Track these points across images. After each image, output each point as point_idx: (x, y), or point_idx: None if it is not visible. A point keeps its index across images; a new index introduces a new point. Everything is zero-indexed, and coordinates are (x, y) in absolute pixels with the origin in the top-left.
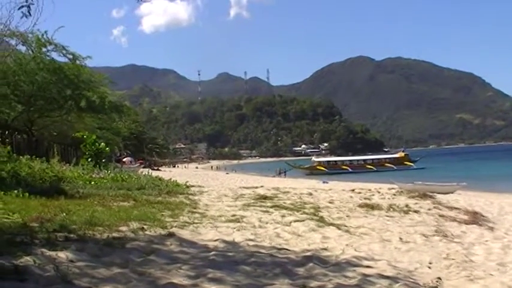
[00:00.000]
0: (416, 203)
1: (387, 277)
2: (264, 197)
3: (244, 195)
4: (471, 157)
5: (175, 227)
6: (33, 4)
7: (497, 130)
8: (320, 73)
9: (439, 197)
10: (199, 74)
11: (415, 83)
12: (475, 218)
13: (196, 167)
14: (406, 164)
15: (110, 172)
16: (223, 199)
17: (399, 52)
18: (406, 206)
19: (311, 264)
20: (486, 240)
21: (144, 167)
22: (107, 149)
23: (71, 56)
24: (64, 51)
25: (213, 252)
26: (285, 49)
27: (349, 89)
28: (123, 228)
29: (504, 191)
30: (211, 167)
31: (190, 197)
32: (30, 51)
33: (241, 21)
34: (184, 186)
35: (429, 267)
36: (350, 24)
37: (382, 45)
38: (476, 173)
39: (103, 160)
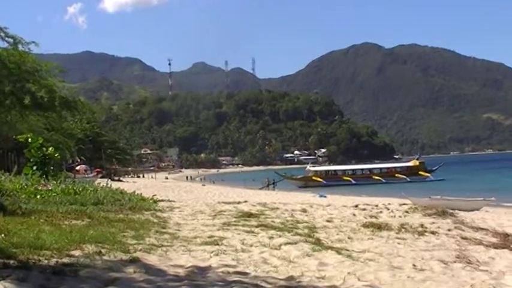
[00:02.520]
0: (433, 222)
1: None
2: (248, 215)
3: (224, 212)
4: (501, 166)
5: (140, 250)
6: None
7: None
8: (317, 63)
9: (462, 214)
10: (169, 64)
11: (433, 75)
12: (506, 241)
13: (166, 177)
14: (421, 175)
15: (60, 183)
16: (199, 217)
17: (413, 38)
18: (421, 225)
19: None
20: None
21: (102, 177)
22: (57, 155)
23: (11, 40)
24: (2, 35)
25: (185, 282)
26: (274, 34)
27: (353, 83)
28: (76, 253)
29: None
30: (187, 177)
31: (159, 213)
32: None
33: (222, 2)
34: (151, 201)
35: None
36: (353, 4)
37: (392, 30)
38: (508, 186)
39: (51, 168)
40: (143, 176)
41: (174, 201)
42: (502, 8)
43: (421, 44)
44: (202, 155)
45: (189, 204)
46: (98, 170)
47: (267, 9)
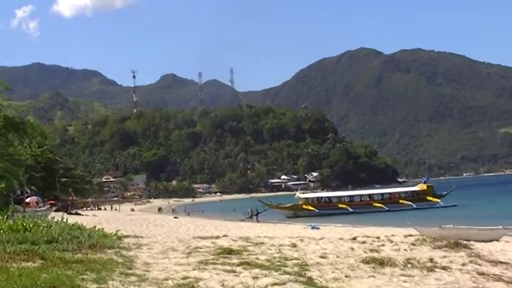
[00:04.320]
0: (444, 256)
1: None
2: (229, 251)
3: (201, 248)
4: None
5: None
6: None
7: None
8: (306, 73)
9: (478, 246)
10: (134, 77)
11: (441, 84)
12: None
13: (132, 209)
14: (429, 200)
15: (7, 218)
16: (171, 254)
17: (417, 42)
18: (431, 260)
19: None
20: None
21: (56, 210)
22: (2, 185)
23: None
24: None
25: None
26: (255, 41)
27: (347, 95)
28: None
29: None
30: (159, 209)
31: (124, 252)
32: None
33: (196, 5)
34: (114, 237)
35: None
36: (346, 5)
37: (392, 33)
38: None
39: None
40: (105, 208)
41: (141, 237)
42: None
43: (426, 49)
44: (174, 182)
45: (159, 240)
46: (52, 202)
47: (247, 13)
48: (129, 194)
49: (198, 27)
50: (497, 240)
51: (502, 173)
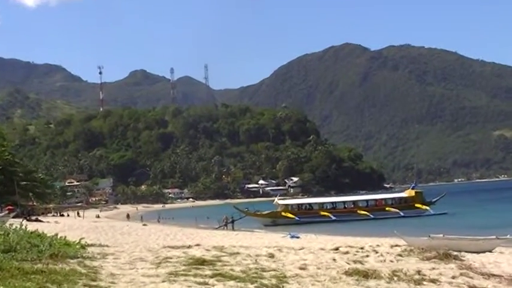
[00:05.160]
0: (433, 268)
1: None
2: (201, 262)
3: (171, 258)
4: None
5: None
6: None
7: None
8: (287, 69)
9: (470, 257)
10: (100, 73)
11: (432, 83)
12: None
13: (98, 216)
14: (418, 208)
15: None
16: (139, 265)
17: (406, 38)
18: (418, 272)
19: None
20: None
21: (15, 217)
22: None
23: None
24: None
25: None
26: (231, 35)
27: (331, 94)
28: None
29: None
30: (127, 215)
31: (88, 262)
32: None
33: None
34: (77, 246)
35: None
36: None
37: (380, 27)
38: None
39: None
40: (68, 215)
41: (107, 246)
42: None
43: (415, 45)
44: (143, 186)
45: (126, 250)
46: (10, 207)
47: (223, 5)
48: (94, 199)
49: (171, 20)
50: (490, 251)
51: (496, 179)
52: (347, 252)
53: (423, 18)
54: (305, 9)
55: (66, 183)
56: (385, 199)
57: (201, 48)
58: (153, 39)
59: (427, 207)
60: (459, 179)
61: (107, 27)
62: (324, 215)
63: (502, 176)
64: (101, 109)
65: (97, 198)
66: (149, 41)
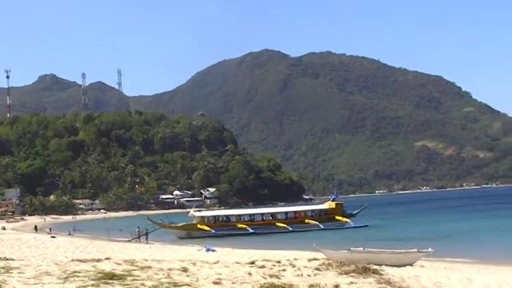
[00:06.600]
0: (351, 283)
1: None
2: (111, 276)
3: (79, 272)
4: (440, 208)
5: None
6: None
7: (480, 166)
8: (204, 76)
9: (390, 271)
10: (7, 77)
11: (353, 92)
12: None
13: (3, 227)
14: (338, 220)
15: None
16: (45, 280)
17: (327, 45)
18: (336, 287)
19: None
20: None
21: None
22: None
23: None
24: None
25: None
26: (147, 38)
27: (250, 102)
28: None
29: (491, 261)
30: (35, 227)
31: None
32: None
33: None
34: None
35: None
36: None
37: (300, 33)
38: (449, 233)
39: None
40: None
41: (12, 260)
42: (438, 6)
43: (336, 52)
44: (52, 197)
45: (32, 264)
46: None
47: (137, 7)
48: (0, 210)
49: (81, 23)
50: (411, 265)
51: (418, 191)
52: (263, 266)
53: (344, 25)
54: (223, 13)
55: None
56: (304, 211)
57: (115, 53)
58: (63, 42)
59: (348, 220)
60: (381, 191)
61: (14, 29)
62: (242, 228)
63: (424, 187)
64: (8, 115)
65: (3, 209)
66: (59, 43)
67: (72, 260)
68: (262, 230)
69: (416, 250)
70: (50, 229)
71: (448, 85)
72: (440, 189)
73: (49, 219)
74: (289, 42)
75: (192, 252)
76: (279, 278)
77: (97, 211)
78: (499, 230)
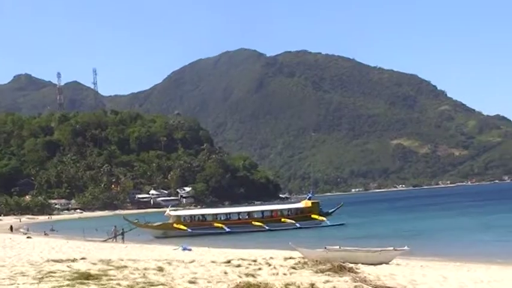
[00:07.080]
0: (327, 281)
1: None
2: (86, 276)
3: (55, 273)
4: (415, 206)
5: None
6: None
7: (456, 164)
8: (179, 76)
9: (365, 270)
10: None
11: (329, 91)
12: None
13: None
14: (314, 219)
15: None
16: (20, 280)
17: (302, 44)
18: (312, 285)
19: None
20: None
21: None
22: None
23: None
24: None
25: None
26: (122, 38)
27: (226, 101)
28: None
29: (465, 258)
30: (10, 227)
31: None
32: None
33: None
34: None
35: None
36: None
37: (275, 32)
38: (424, 231)
39: None
40: None
41: None
42: (413, 6)
43: (312, 51)
44: (28, 197)
45: (7, 264)
46: None
47: (112, 6)
48: None
49: (56, 20)
50: (387, 263)
51: (394, 189)
52: (239, 265)
53: (320, 24)
54: (200, 11)
55: None
56: (281, 210)
57: (90, 52)
58: (38, 41)
59: (324, 218)
60: (357, 189)
61: None
62: (218, 227)
63: (400, 185)
64: None
65: None
66: (34, 42)
67: (48, 261)
68: (239, 229)
69: (392, 248)
70: (26, 228)
71: (423, 84)
72: (416, 187)
73: (24, 219)
74: (265, 41)
75: (168, 251)
76: (255, 277)
77: (73, 211)
78: (473, 227)
